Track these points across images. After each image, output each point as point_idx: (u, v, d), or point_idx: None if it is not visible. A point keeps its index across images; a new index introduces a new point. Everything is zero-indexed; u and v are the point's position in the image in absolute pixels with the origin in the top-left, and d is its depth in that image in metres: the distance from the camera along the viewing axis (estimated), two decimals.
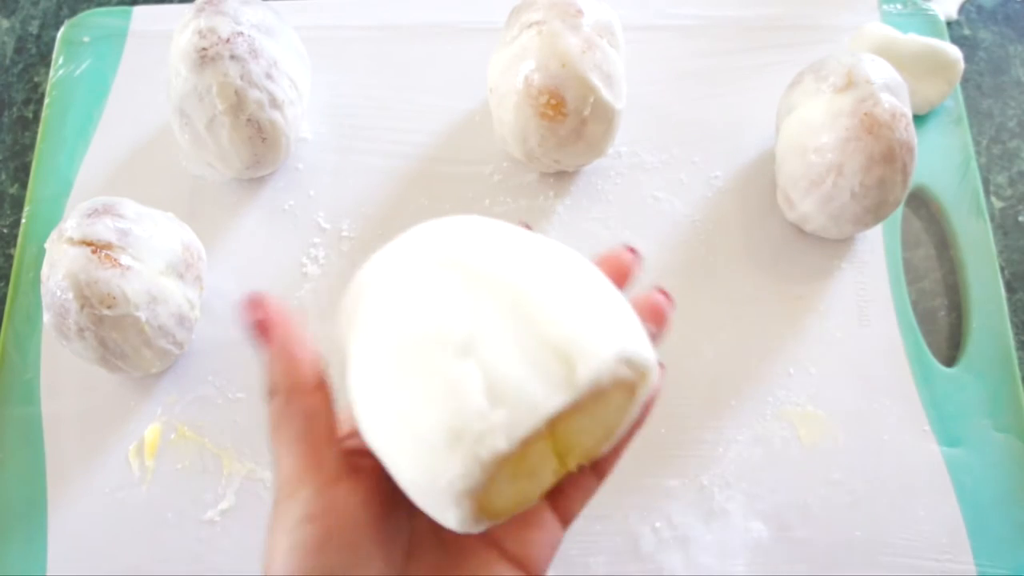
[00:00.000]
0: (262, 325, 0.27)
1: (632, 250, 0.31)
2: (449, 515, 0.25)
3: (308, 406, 0.27)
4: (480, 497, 0.24)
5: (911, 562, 0.42)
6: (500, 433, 0.23)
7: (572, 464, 0.27)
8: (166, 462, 0.44)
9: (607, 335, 0.24)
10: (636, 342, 0.25)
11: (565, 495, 0.30)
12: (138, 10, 0.56)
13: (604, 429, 0.27)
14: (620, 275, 0.30)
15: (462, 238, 0.26)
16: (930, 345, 0.47)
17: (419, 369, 0.24)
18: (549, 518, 0.29)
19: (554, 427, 0.25)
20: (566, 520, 0.30)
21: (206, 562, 0.42)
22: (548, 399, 0.23)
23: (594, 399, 0.24)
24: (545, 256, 0.26)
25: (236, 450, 0.44)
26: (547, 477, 0.27)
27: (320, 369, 0.28)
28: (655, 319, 0.30)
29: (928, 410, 0.45)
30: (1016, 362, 0.46)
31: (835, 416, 0.45)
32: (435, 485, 0.24)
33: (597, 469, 0.30)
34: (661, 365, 0.28)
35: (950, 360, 0.47)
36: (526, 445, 0.24)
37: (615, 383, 0.24)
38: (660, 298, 0.30)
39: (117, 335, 0.41)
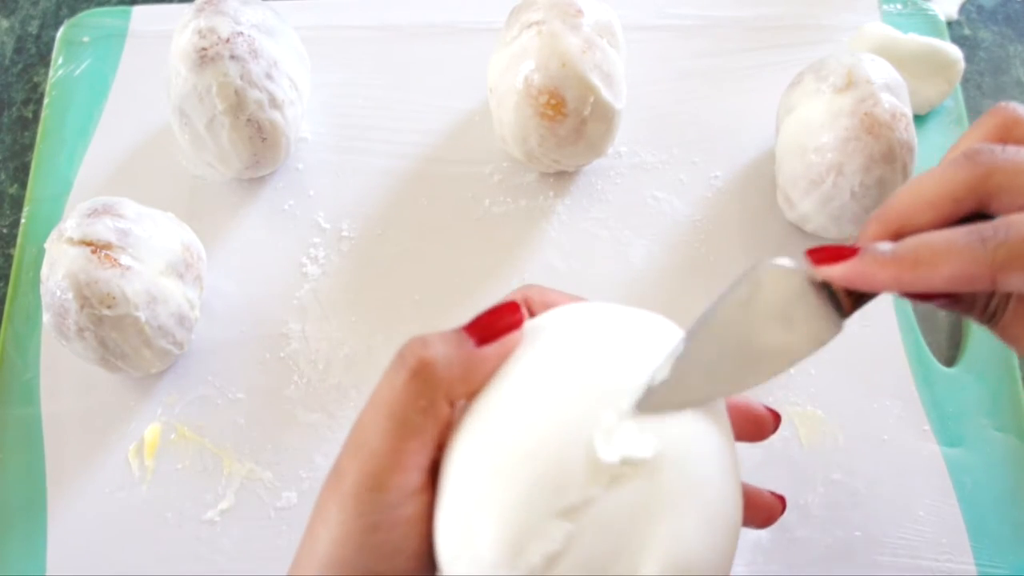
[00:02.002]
0: (501, 330, 0.26)
1: (776, 417, 0.31)
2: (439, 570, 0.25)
3: (443, 411, 0.26)
4: None
5: (911, 562, 0.42)
6: None
7: None
8: (166, 462, 0.44)
9: None
10: None
11: None
12: (138, 10, 0.56)
13: None
14: (751, 433, 0.30)
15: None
16: (930, 345, 0.47)
17: (527, 477, 0.24)
18: None
19: None
20: None
21: (206, 562, 0.42)
22: None
23: None
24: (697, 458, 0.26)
25: (236, 450, 0.44)
26: None
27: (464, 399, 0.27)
28: (763, 522, 0.31)
29: (928, 410, 0.45)
30: (1016, 362, 0.46)
31: (835, 416, 0.45)
32: (448, 554, 0.24)
33: None
34: None
35: (950, 360, 0.47)
36: None
37: None
38: (777, 505, 0.31)
39: (117, 335, 0.41)
